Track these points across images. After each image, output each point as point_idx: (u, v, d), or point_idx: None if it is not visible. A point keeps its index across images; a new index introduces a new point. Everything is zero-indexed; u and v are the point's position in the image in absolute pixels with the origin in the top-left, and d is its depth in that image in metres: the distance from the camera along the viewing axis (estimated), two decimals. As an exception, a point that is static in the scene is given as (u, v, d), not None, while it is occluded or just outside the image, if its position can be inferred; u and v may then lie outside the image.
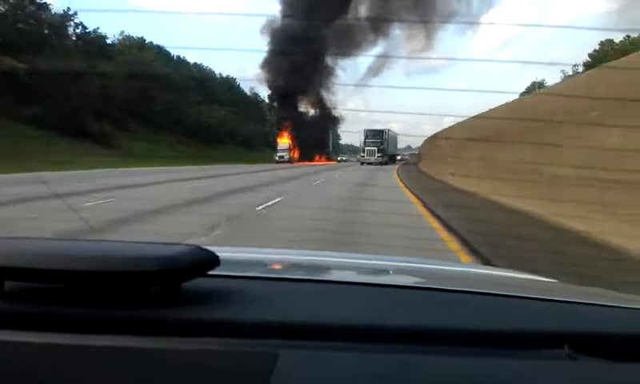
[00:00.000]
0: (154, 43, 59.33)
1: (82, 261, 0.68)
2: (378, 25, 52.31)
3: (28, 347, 0.64)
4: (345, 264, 1.25)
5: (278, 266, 1.22)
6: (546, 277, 1.20)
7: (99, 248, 0.74)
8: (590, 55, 50.82)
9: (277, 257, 1.34)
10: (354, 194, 14.71)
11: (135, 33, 58.41)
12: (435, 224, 8.52)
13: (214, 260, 0.72)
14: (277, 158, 54.26)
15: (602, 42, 50.38)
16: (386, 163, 49.13)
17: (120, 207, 9.89)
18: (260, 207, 10.13)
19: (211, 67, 69.94)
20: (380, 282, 0.99)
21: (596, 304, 0.85)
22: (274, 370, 0.61)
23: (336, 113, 64.11)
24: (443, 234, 7.49)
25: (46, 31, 41.32)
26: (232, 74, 73.30)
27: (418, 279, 1.16)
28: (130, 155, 34.20)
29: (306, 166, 41.25)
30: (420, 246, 5.71)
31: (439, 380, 0.63)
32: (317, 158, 61.83)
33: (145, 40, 59.09)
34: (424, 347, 0.68)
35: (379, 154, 51.17)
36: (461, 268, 1.44)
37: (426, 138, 30.25)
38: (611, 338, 0.72)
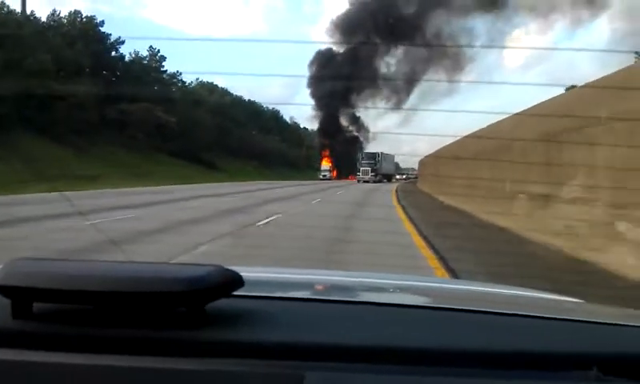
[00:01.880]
0: (219, 86, 76.38)
1: (108, 282, 0.68)
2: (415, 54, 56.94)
3: (56, 367, 0.65)
4: (368, 284, 1.25)
5: (301, 287, 1.22)
6: (573, 297, 1.15)
7: (125, 269, 0.74)
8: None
9: (300, 277, 1.34)
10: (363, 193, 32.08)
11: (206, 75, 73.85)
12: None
13: (238, 281, 0.73)
14: (320, 177, 70.89)
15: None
16: (379, 181, 56.79)
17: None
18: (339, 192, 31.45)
19: (260, 101, 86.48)
20: (403, 303, 0.97)
21: (625, 325, 0.83)
22: None
23: (362, 136, 77.63)
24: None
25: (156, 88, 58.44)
26: (276, 107, 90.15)
27: (439, 299, 1.14)
28: (230, 175, 51.00)
29: (339, 182, 57.03)
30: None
31: None
32: (350, 176, 77.37)
33: (214, 84, 76.12)
34: (449, 369, 0.67)
35: (372, 174, 59.32)
36: (480, 287, 1.43)
37: (426, 156, 35.91)
38: None
